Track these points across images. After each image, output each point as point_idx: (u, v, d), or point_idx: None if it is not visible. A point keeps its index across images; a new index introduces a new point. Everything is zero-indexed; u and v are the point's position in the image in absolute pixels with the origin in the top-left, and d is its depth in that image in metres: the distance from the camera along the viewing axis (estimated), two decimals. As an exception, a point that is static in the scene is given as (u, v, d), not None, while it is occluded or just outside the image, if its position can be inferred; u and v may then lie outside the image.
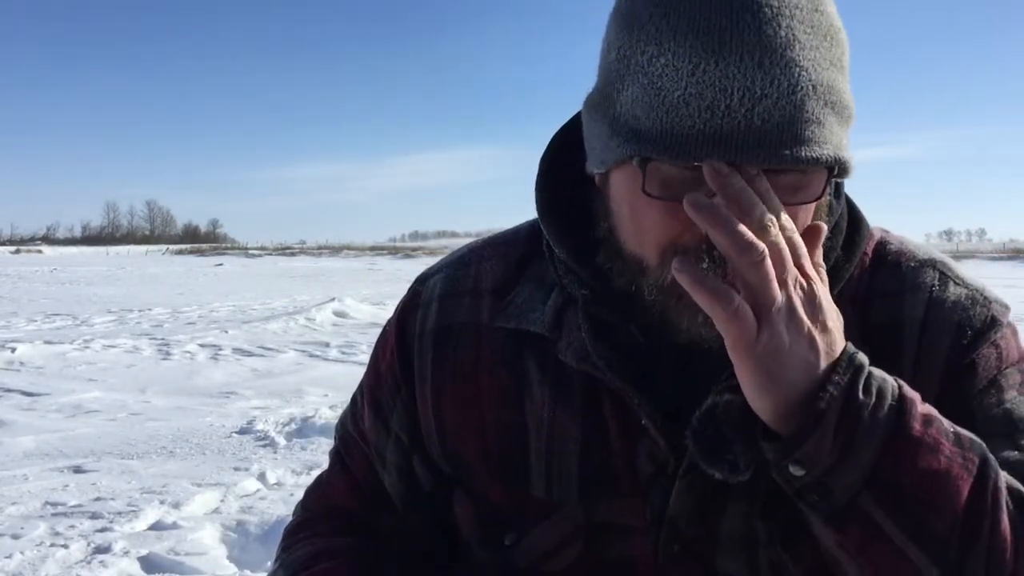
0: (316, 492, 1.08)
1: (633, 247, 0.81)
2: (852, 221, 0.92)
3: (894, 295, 0.87)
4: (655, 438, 0.84)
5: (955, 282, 0.88)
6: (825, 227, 0.79)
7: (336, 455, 1.07)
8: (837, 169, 0.76)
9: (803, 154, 0.72)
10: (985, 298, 0.88)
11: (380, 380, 1.01)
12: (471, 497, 0.95)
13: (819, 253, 0.76)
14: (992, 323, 0.87)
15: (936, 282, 0.88)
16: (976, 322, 0.86)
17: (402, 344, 0.99)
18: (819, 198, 0.78)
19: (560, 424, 0.88)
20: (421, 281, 1.02)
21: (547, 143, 0.95)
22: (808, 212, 0.79)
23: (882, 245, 0.92)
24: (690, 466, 0.82)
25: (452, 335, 0.95)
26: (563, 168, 0.91)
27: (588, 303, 0.86)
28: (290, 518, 1.10)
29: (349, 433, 1.06)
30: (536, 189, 0.93)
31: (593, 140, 0.84)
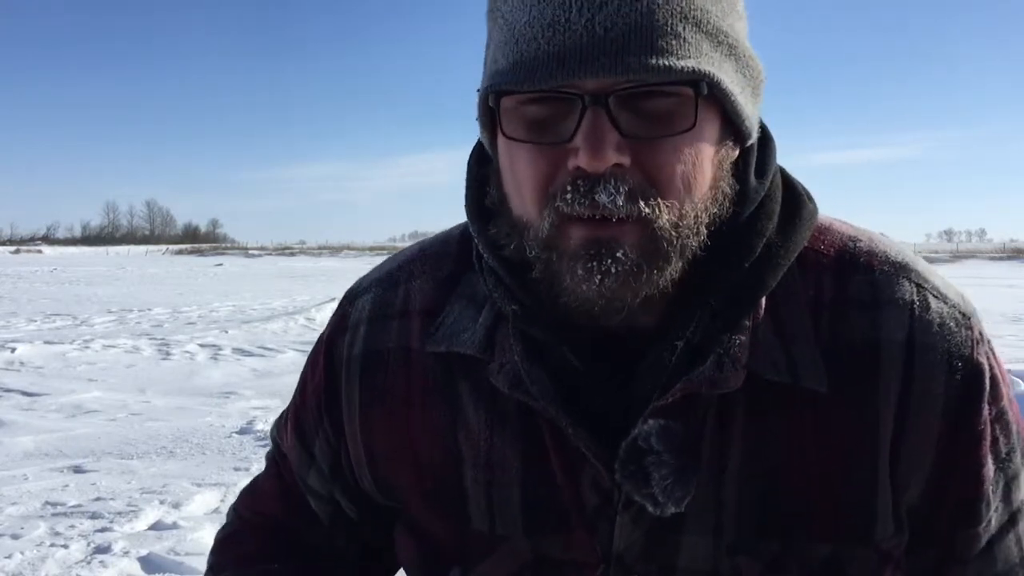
0: (249, 497, 1.05)
1: (517, 206, 0.77)
2: (789, 203, 0.83)
3: (869, 307, 0.79)
4: (597, 468, 0.77)
5: (933, 295, 0.81)
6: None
7: (272, 460, 1.04)
8: (708, 89, 0.71)
9: (653, 62, 0.68)
10: (963, 314, 0.81)
11: (305, 403, 0.97)
12: (411, 530, 0.90)
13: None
14: (976, 345, 0.81)
15: (916, 297, 0.80)
16: (964, 349, 0.80)
17: (329, 369, 0.94)
18: (690, 128, 0.71)
19: (499, 453, 0.82)
20: (350, 300, 0.96)
21: (473, 148, 0.88)
22: (686, 150, 0.72)
23: (850, 243, 0.83)
24: (630, 499, 0.76)
25: (381, 361, 0.89)
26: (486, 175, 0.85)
27: (519, 320, 0.79)
28: None
29: (279, 442, 1.04)
30: (467, 194, 0.86)
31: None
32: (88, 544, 3.46)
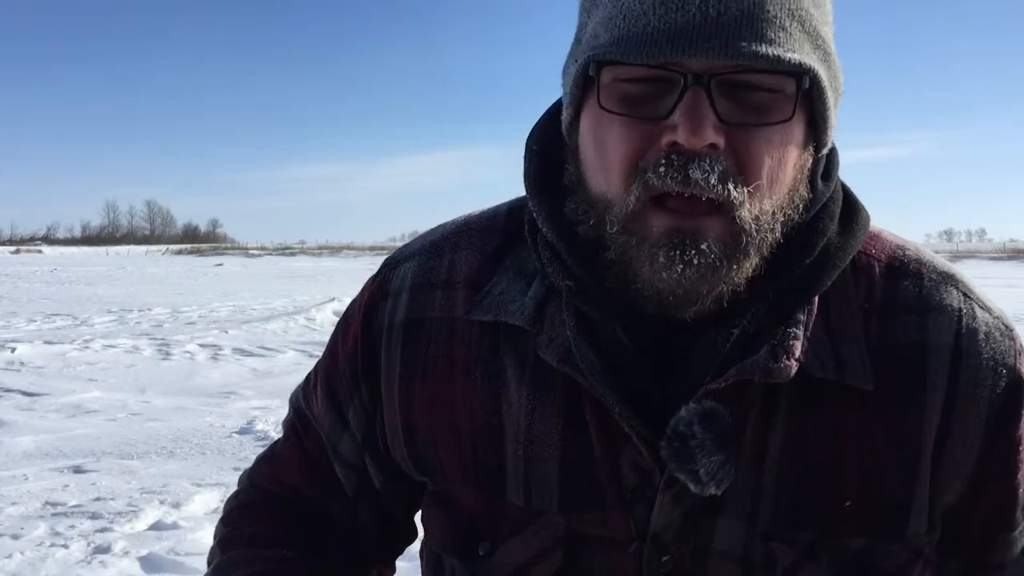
0: (267, 465, 1.03)
1: (599, 184, 0.77)
2: (847, 208, 0.86)
3: (917, 312, 0.82)
4: (639, 448, 0.79)
5: (979, 305, 0.84)
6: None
7: (291, 428, 1.02)
8: (809, 83, 0.73)
9: (763, 50, 0.70)
10: (1007, 326, 0.85)
11: (338, 368, 0.95)
12: (442, 503, 0.90)
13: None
14: (1019, 356, 0.84)
15: (963, 305, 0.83)
16: (1008, 359, 0.83)
17: (368, 335, 0.92)
18: (788, 119, 0.73)
19: (539, 428, 0.83)
20: (390, 267, 0.95)
21: (533, 126, 0.89)
22: (776, 143, 0.74)
23: (899, 251, 0.86)
24: (672, 478, 0.78)
25: (424, 330, 0.89)
26: (553, 148, 0.86)
27: (572, 295, 0.80)
28: None
29: (304, 409, 1.01)
30: (526, 163, 0.86)
31: (564, 88, 0.82)
32: (88, 544, 3.46)
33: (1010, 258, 43.72)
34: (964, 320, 0.82)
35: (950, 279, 0.85)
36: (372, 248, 74.61)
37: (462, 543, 0.88)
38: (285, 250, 75.63)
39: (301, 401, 1.02)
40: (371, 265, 40.43)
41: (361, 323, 0.93)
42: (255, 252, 69.44)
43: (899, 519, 0.81)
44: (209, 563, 0.99)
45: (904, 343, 0.81)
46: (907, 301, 0.83)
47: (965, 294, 0.84)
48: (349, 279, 24.97)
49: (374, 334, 0.92)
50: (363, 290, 0.97)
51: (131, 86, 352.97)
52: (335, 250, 70.25)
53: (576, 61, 0.77)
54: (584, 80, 0.77)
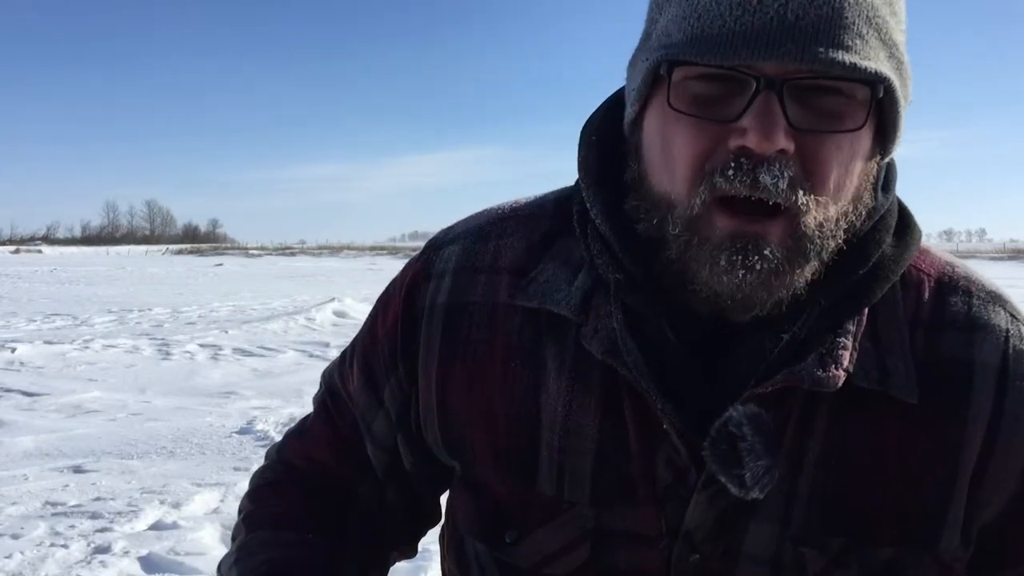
0: (297, 440, 1.03)
1: (662, 184, 0.76)
2: (901, 221, 0.85)
3: (965, 330, 0.82)
4: (676, 446, 0.78)
5: None
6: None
7: (322, 405, 1.02)
8: (883, 92, 0.72)
9: (839, 57, 0.69)
10: None
11: (376, 346, 0.95)
12: (471, 488, 0.90)
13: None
14: None
15: (1010, 326, 0.83)
16: None
17: (409, 315, 0.92)
18: (860, 127, 0.73)
19: (576, 420, 0.82)
20: (435, 248, 0.94)
21: (587, 121, 0.89)
22: (845, 151, 0.73)
23: (949, 267, 0.86)
24: (710, 478, 0.77)
25: (466, 314, 0.88)
26: (610, 141, 0.85)
27: (620, 288, 0.79)
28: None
29: (337, 387, 1.01)
30: (582, 154, 0.86)
31: (630, 84, 0.81)
32: (88, 544, 3.46)
33: (1010, 258, 43.71)
34: (1011, 341, 0.82)
35: (998, 299, 0.85)
36: (372, 248, 74.56)
37: (489, 529, 0.88)
38: (285, 250, 75.60)
39: (336, 378, 1.02)
40: (371, 265, 40.40)
41: (403, 302, 0.93)
42: (255, 252, 69.35)
43: (932, 532, 0.80)
44: (233, 538, 0.99)
45: (950, 360, 0.81)
46: (955, 318, 0.82)
47: (1013, 315, 0.84)
48: (349, 279, 24.95)
49: (415, 314, 0.91)
50: (405, 269, 0.96)
51: (131, 86, 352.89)
52: (335, 250, 70.22)
53: (647, 59, 0.76)
54: (653, 78, 0.76)
